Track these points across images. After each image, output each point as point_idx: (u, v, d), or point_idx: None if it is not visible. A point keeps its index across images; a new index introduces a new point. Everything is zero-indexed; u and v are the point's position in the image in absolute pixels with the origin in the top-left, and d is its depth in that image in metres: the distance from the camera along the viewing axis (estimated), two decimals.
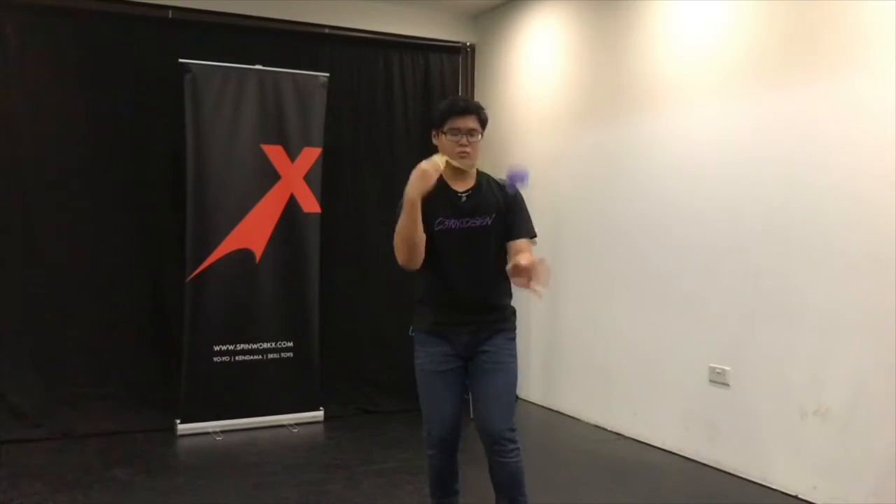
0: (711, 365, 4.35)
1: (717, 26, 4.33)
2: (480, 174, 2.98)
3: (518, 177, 2.85)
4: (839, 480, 3.67)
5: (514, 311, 3.01)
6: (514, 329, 3.00)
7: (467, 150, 2.86)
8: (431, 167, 2.73)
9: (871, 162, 3.54)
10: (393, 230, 2.81)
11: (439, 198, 2.86)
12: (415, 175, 2.72)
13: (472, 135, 2.86)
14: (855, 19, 3.62)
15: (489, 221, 2.89)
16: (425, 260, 2.87)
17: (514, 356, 2.96)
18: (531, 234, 2.98)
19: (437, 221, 2.85)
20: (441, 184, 2.89)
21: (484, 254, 2.90)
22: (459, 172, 2.89)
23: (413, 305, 3.04)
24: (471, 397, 3.01)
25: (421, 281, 2.97)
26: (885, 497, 3.45)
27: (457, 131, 2.84)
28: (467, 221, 2.87)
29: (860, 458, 3.59)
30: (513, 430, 2.89)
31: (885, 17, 3.47)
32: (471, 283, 2.89)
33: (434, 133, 2.93)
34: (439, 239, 2.86)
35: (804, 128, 3.85)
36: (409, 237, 2.76)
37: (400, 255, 2.82)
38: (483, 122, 2.91)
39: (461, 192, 2.90)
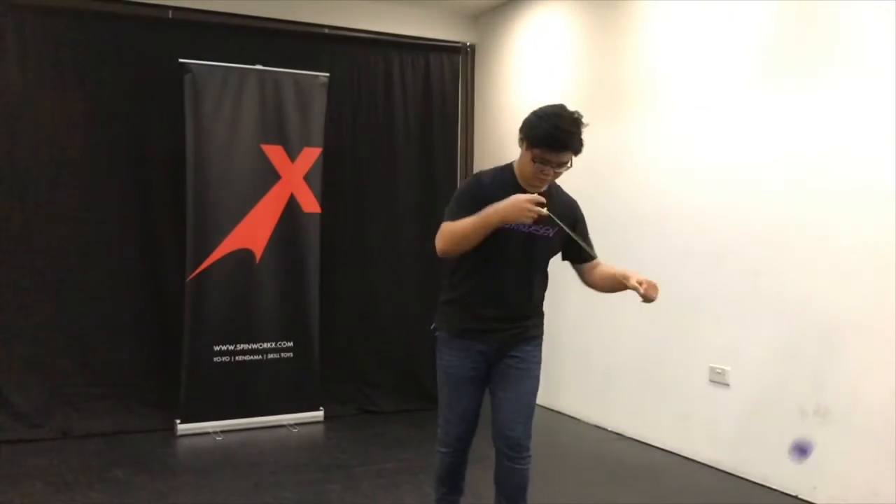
0: (711, 365, 4.35)
1: (717, 27, 4.33)
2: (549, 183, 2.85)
3: (801, 449, 2.72)
4: (839, 480, 3.67)
5: (543, 316, 2.98)
6: (542, 335, 2.96)
7: (548, 179, 2.73)
8: (535, 212, 2.56)
9: (871, 162, 3.55)
10: (430, 221, 2.72)
11: (508, 195, 2.70)
12: (518, 207, 2.56)
13: (559, 167, 2.69)
14: (855, 20, 3.62)
15: (551, 233, 2.79)
16: (475, 262, 2.77)
17: (540, 363, 2.93)
18: (595, 256, 2.94)
19: None
20: (512, 182, 2.78)
21: (538, 263, 2.84)
22: None
23: (442, 304, 2.93)
24: (491, 400, 2.93)
25: (462, 282, 2.85)
26: (885, 497, 3.46)
27: (546, 162, 2.66)
28: (531, 227, 2.74)
29: (860, 458, 3.59)
30: (530, 437, 2.87)
31: (885, 18, 3.47)
32: (519, 290, 2.80)
33: (520, 137, 2.73)
34: (500, 239, 2.72)
35: (804, 128, 3.85)
36: (467, 243, 2.68)
37: (446, 247, 2.72)
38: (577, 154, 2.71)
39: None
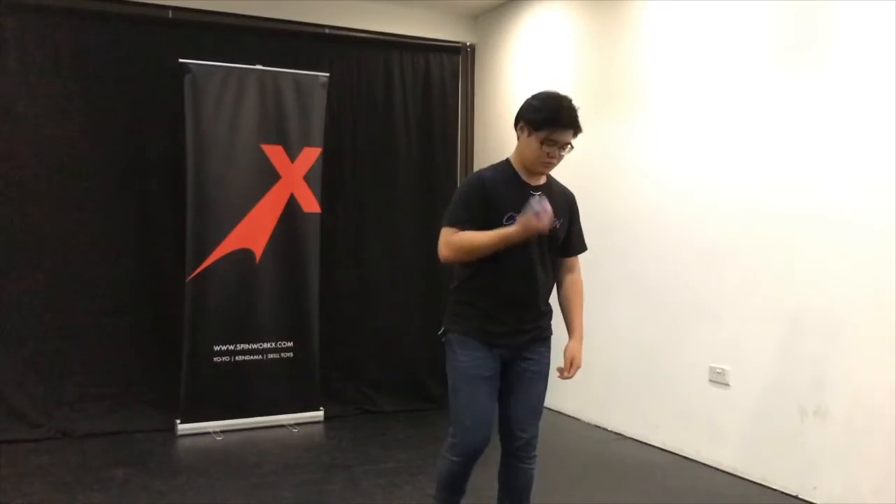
0: (711, 365, 4.35)
1: (717, 26, 4.33)
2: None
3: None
4: (839, 480, 3.67)
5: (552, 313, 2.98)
6: (551, 334, 2.97)
7: (554, 162, 2.74)
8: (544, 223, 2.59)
9: (871, 162, 3.54)
10: (430, 222, 2.72)
11: (510, 190, 2.73)
12: (530, 225, 2.58)
13: (563, 148, 2.71)
14: (855, 18, 3.62)
15: (557, 224, 2.76)
16: (489, 259, 2.72)
17: (549, 363, 2.95)
18: (584, 249, 2.96)
19: (507, 216, 2.69)
20: (512, 175, 2.79)
21: (546, 254, 2.82)
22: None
23: (454, 304, 2.88)
24: (499, 400, 2.89)
25: (473, 281, 2.81)
26: (885, 497, 3.45)
27: (553, 143, 2.68)
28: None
29: (860, 458, 3.59)
30: (537, 437, 2.90)
31: (885, 17, 3.47)
32: (530, 283, 2.78)
33: (520, 125, 2.76)
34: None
35: (804, 127, 3.85)
36: (477, 256, 2.69)
37: (452, 257, 2.71)
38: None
39: (533, 188, 2.76)
